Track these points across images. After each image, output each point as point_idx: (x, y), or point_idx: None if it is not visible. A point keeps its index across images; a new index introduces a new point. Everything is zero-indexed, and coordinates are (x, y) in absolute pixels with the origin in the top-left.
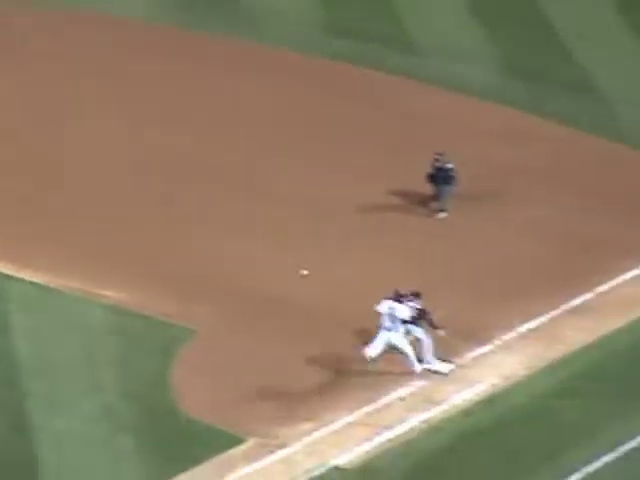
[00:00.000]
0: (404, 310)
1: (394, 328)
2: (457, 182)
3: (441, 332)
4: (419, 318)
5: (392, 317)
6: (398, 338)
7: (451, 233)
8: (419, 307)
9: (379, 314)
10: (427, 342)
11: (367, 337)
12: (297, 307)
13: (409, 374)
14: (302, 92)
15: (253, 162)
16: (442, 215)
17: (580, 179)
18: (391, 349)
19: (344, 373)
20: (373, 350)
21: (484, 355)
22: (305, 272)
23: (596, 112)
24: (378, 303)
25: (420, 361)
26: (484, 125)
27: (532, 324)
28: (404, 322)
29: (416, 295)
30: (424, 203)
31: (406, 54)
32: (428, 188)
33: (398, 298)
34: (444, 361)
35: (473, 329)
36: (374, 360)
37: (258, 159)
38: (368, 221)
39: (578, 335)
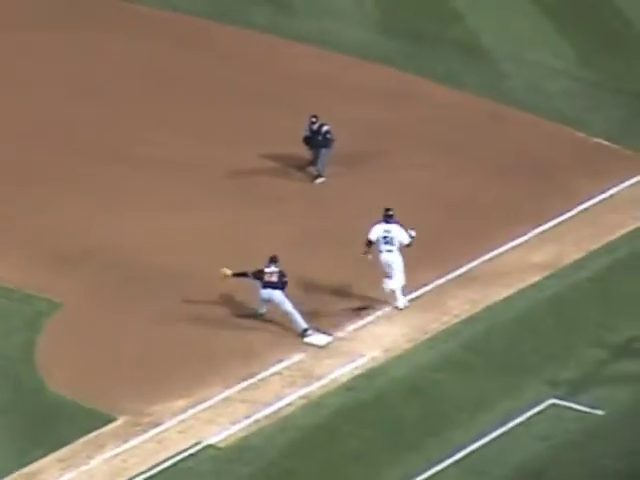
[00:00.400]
0: (401, 232)
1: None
2: (334, 145)
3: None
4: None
5: (388, 239)
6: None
7: (328, 198)
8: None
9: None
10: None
11: (239, 307)
12: (167, 278)
13: (289, 347)
14: (168, 52)
15: (119, 128)
16: (320, 181)
17: (464, 141)
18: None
19: (220, 347)
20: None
21: (365, 327)
22: (228, 272)
23: (482, 73)
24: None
25: (305, 331)
26: (362, 85)
27: (415, 294)
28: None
29: (273, 260)
30: (301, 168)
31: (278, 11)
32: (305, 152)
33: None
34: (322, 333)
35: (353, 300)
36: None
37: (124, 124)
38: (241, 187)
39: (462, 306)
